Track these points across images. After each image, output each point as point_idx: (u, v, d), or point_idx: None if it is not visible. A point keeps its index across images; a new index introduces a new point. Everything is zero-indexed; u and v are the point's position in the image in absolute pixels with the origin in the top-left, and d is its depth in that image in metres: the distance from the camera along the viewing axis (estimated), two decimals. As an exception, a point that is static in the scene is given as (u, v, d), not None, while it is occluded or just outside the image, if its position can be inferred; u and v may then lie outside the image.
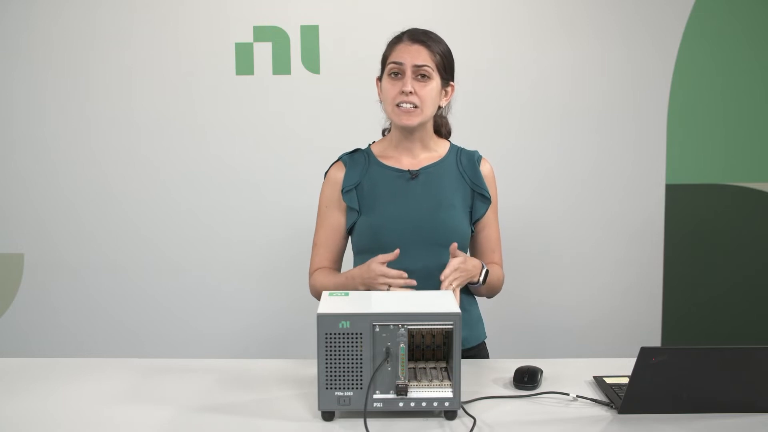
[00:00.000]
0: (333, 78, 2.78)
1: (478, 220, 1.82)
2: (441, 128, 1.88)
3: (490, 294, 1.87)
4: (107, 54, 2.80)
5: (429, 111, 1.76)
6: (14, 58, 2.81)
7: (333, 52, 2.77)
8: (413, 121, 1.74)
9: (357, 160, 1.84)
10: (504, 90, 2.79)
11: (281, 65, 2.78)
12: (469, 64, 2.72)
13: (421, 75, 1.72)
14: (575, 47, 2.78)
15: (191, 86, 2.81)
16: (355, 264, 1.85)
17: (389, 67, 1.75)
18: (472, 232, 1.83)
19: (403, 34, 1.78)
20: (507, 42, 2.78)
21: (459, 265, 1.66)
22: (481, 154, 1.87)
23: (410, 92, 1.71)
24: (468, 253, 1.87)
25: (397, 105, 1.73)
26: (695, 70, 2.78)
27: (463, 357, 1.71)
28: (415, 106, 1.72)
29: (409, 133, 1.79)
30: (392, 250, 1.72)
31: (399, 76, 1.73)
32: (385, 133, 1.91)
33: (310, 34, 2.77)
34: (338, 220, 1.84)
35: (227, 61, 2.79)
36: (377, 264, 1.66)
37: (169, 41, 2.79)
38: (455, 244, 1.69)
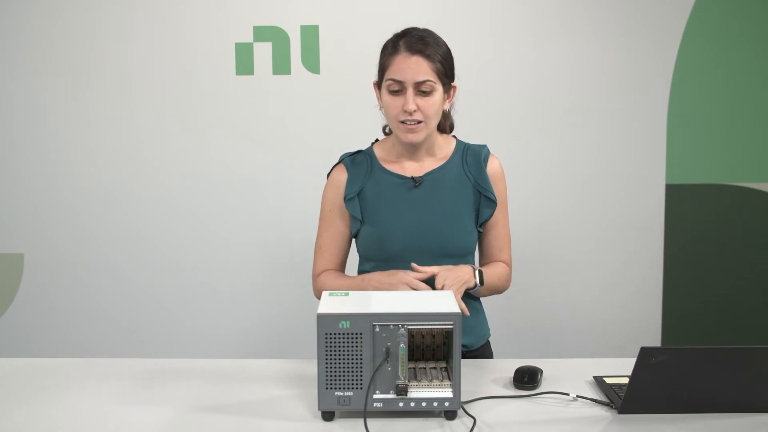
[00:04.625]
0: (333, 78, 2.78)
1: (485, 221, 1.80)
2: (444, 124, 1.83)
3: (495, 293, 1.84)
4: (107, 54, 2.80)
5: (433, 123, 1.71)
6: (14, 58, 2.81)
7: (333, 52, 2.77)
8: (419, 137, 1.69)
9: (359, 164, 1.80)
10: (504, 90, 2.79)
11: (281, 65, 2.78)
12: (469, 64, 2.72)
13: (422, 90, 1.65)
14: (575, 47, 2.78)
15: (191, 86, 2.81)
16: (360, 266, 1.84)
17: (388, 84, 1.67)
18: (480, 232, 1.81)
19: (399, 41, 1.68)
20: (507, 42, 2.78)
21: (442, 271, 1.65)
22: (489, 150, 1.82)
23: (414, 110, 1.65)
24: (476, 252, 1.86)
25: (401, 122, 1.68)
26: (695, 70, 2.78)
27: (468, 357, 1.72)
28: (419, 122, 1.67)
29: (413, 146, 1.76)
30: (397, 259, 1.72)
31: (400, 92, 1.66)
32: (386, 130, 1.86)
33: (310, 34, 2.77)
34: (341, 224, 1.81)
35: (227, 61, 2.79)
36: (404, 273, 1.65)
37: (169, 41, 2.79)
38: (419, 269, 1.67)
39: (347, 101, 2.76)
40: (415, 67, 1.64)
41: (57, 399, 1.52)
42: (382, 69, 1.71)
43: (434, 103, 1.67)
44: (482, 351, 1.86)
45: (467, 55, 2.73)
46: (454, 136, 1.86)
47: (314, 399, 1.40)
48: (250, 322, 2.89)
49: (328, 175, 1.85)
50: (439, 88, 1.68)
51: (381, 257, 1.76)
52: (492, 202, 1.78)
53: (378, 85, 1.75)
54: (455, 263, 1.73)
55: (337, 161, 1.84)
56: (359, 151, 1.84)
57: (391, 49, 1.69)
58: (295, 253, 2.79)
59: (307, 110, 2.80)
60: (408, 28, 1.73)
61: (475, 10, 2.77)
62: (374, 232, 1.76)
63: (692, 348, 1.38)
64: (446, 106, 1.75)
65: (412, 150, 1.77)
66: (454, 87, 1.75)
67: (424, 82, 1.65)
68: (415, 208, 1.75)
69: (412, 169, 1.78)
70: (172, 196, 2.85)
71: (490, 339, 1.91)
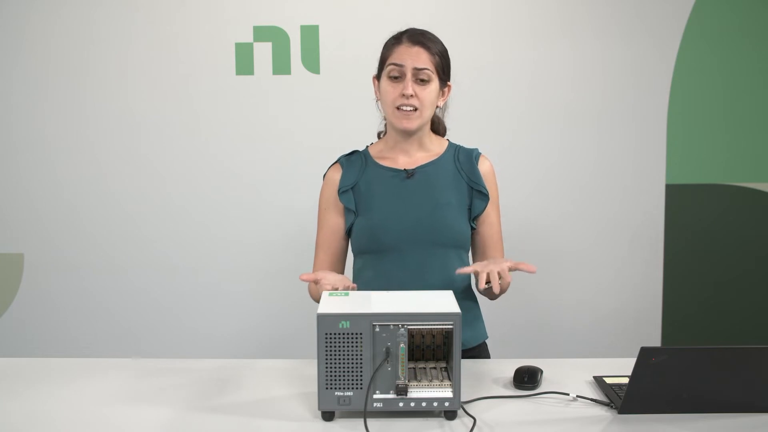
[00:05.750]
0: (333, 78, 2.78)
1: (477, 216, 1.82)
2: (437, 126, 1.88)
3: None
4: (107, 54, 2.80)
5: (428, 113, 1.76)
6: (14, 57, 2.81)
7: (333, 52, 2.78)
8: (413, 124, 1.74)
9: (354, 162, 1.84)
10: (504, 90, 2.79)
11: (281, 65, 2.78)
12: (469, 63, 2.73)
13: (421, 78, 1.72)
14: (575, 47, 2.78)
15: (191, 86, 2.81)
16: (355, 265, 1.85)
17: (389, 69, 1.74)
18: (473, 229, 1.83)
19: (402, 35, 1.77)
20: (507, 42, 2.78)
21: (479, 266, 1.61)
22: (480, 151, 1.86)
23: (411, 95, 1.71)
24: (469, 251, 1.87)
25: (397, 108, 1.73)
26: (695, 70, 2.78)
27: (464, 357, 1.72)
28: (415, 109, 1.72)
29: (407, 135, 1.79)
30: (390, 250, 1.75)
31: (399, 78, 1.73)
32: (381, 136, 1.90)
33: (310, 34, 2.77)
34: (337, 221, 1.83)
35: (227, 61, 2.79)
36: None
37: (169, 41, 2.79)
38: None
39: (347, 101, 2.77)
40: (416, 55, 1.72)
41: (57, 399, 1.52)
42: (383, 59, 1.78)
43: (430, 92, 1.74)
44: (478, 351, 1.86)
45: (467, 55, 2.74)
46: (447, 140, 1.90)
47: (314, 399, 1.40)
48: (250, 322, 2.89)
49: (324, 175, 1.88)
50: (436, 80, 1.74)
51: (374, 249, 1.77)
52: (484, 196, 1.81)
53: (378, 78, 1.80)
54: (448, 255, 1.75)
55: (333, 162, 1.88)
56: (354, 152, 1.88)
57: (393, 41, 1.77)
58: (294, 252, 2.79)
59: (307, 110, 2.80)
60: (408, 28, 1.79)
61: (475, 10, 2.77)
62: (367, 224, 1.78)
63: (692, 348, 1.38)
64: (440, 104, 1.80)
65: (405, 144, 1.81)
66: (449, 86, 1.81)
67: (422, 69, 1.72)
68: (407, 199, 1.78)
69: (404, 163, 1.82)
70: (172, 196, 2.85)
71: (488, 342, 1.91)
